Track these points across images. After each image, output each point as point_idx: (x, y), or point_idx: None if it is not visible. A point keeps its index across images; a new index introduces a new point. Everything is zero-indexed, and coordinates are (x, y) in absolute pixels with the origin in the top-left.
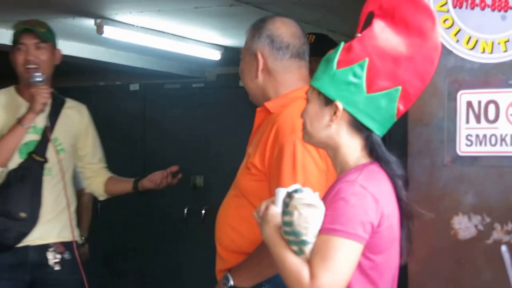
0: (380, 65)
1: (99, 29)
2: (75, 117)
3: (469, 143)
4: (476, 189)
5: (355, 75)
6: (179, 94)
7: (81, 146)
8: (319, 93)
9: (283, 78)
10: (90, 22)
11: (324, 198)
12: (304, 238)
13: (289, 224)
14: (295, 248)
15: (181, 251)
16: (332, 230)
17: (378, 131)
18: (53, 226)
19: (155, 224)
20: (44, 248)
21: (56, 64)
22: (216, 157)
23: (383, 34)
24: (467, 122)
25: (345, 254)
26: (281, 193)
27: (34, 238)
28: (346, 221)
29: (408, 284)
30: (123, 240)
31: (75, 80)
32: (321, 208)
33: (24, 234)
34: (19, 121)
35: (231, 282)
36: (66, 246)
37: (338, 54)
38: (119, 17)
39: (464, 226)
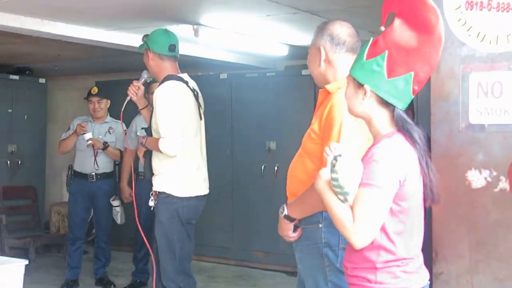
0: (397, 56)
1: (196, 33)
2: None
3: (479, 114)
4: (485, 149)
5: (378, 64)
6: (257, 81)
7: None
8: (354, 79)
9: (339, 66)
10: (189, 27)
11: (363, 159)
12: (346, 190)
13: (336, 179)
14: (340, 197)
15: (257, 200)
16: (368, 184)
17: (400, 106)
18: None
19: (238, 177)
20: None
21: (155, 63)
22: (285, 127)
23: (400, 31)
24: (477, 97)
25: (378, 202)
26: (333, 148)
27: None
28: (378, 177)
29: (432, 222)
30: (212, 190)
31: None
32: (359, 167)
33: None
34: None
35: (285, 212)
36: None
37: (367, 48)
38: (211, 23)
39: (476, 178)
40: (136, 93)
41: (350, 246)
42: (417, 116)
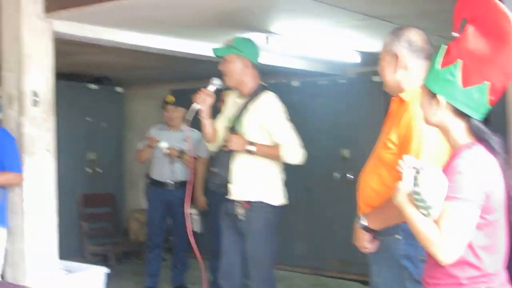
0: (471, 65)
1: (267, 41)
2: None
3: None
4: None
5: (451, 74)
6: (328, 88)
7: None
8: (427, 88)
9: (416, 74)
10: (260, 35)
11: (444, 170)
12: (429, 204)
13: (418, 193)
14: (423, 211)
15: (333, 208)
16: (455, 198)
17: (476, 116)
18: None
19: (313, 185)
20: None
21: (245, 68)
22: (358, 134)
23: (473, 38)
24: None
25: (466, 216)
26: (408, 161)
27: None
28: (465, 190)
29: None
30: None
31: None
32: (442, 180)
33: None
34: None
35: (363, 222)
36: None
37: (440, 56)
38: (281, 31)
39: None
40: (204, 101)
41: (432, 260)
42: (492, 125)
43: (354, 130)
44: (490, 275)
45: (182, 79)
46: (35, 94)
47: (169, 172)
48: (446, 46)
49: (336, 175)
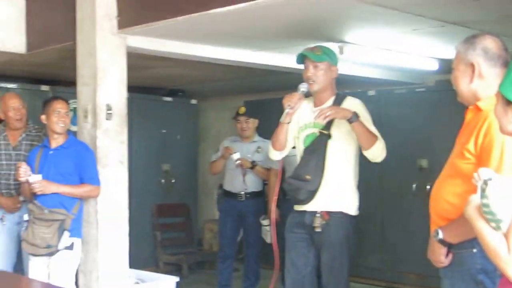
0: None
1: (341, 50)
2: None
3: None
4: None
5: None
6: (406, 97)
7: None
8: (503, 96)
9: (492, 82)
10: (333, 45)
11: None
12: (499, 217)
13: (487, 205)
14: (493, 224)
15: (409, 219)
16: None
17: None
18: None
19: (389, 196)
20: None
21: (333, 77)
22: (436, 143)
23: None
24: None
25: None
26: (483, 174)
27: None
28: None
29: None
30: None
31: None
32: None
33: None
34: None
35: (440, 236)
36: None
37: None
38: (355, 40)
39: None
40: (293, 105)
41: (505, 278)
42: None
43: (434, 139)
44: None
45: (256, 91)
46: (109, 107)
47: (241, 183)
48: None
49: (414, 185)
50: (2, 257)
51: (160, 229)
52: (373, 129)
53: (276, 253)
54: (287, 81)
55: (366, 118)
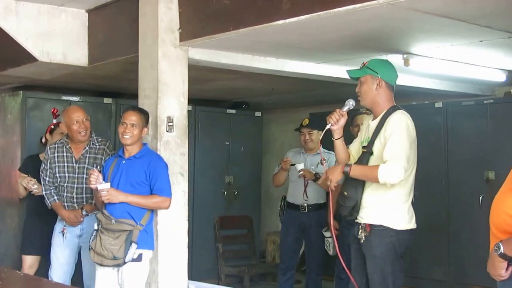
0: None
1: (406, 62)
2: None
3: None
4: None
5: None
6: (474, 109)
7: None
8: None
9: None
10: (398, 57)
11: None
12: None
13: None
14: None
15: (476, 232)
16: None
17: None
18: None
19: (454, 208)
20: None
21: (378, 90)
22: (504, 156)
23: None
24: None
25: None
26: None
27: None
28: None
29: None
30: (428, 221)
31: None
32: None
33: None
34: None
35: (502, 250)
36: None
37: None
38: (421, 52)
39: None
40: (337, 121)
41: None
42: None
43: (502, 151)
44: None
45: (321, 103)
46: (169, 119)
47: (303, 195)
48: None
49: (480, 197)
50: (62, 268)
51: (222, 241)
52: (389, 146)
53: (345, 267)
54: (351, 93)
55: (395, 130)
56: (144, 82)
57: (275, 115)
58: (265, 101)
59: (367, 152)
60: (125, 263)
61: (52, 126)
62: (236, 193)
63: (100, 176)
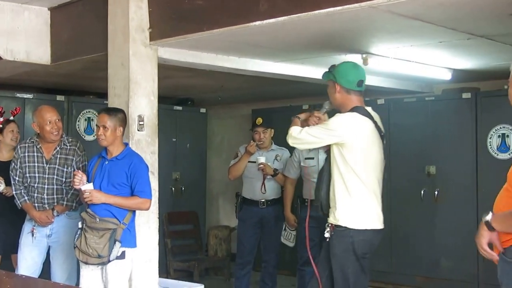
0: None
1: (365, 61)
2: None
3: None
4: None
5: None
6: (415, 105)
7: None
8: None
9: None
10: (358, 56)
11: None
12: None
13: None
14: None
15: (417, 224)
16: None
17: None
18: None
19: (397, 202)
20: None
21: (338, 93)
22: (445, 151)
23: None
24: None
25: None
26: None
27: None
28: None
29: None
30: None
31: None
32: None
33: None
34: None
35: (488, 218)
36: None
37: None
38: (380, 51)
39: None
40: (316, 123)
41: None
42: None
43: (442, 146)
44: None
45: (262, 100)
46: (140, 118)
47: (261, 189)
48: None
49: (422, 191)
50: (29, 269)
51: (170, 236)
52: (310, 131)
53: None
54: (298, 90)
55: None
56: (114, 80)
57: (215, 111)
58: (209, 97)
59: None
60: (109, 261)
61: (1, 125)
62: (183, 189)
63: (84, 177)
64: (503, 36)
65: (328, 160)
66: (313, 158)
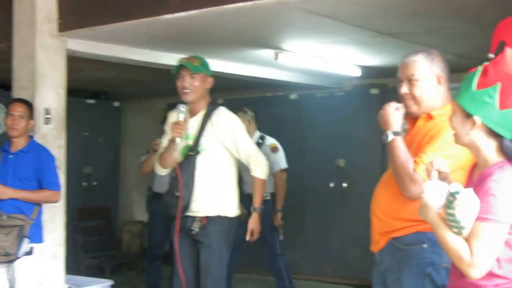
0: (509, 88)
1: (276, 57)
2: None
3: None
4: None
5: (489, 96)
6: (326, 101)
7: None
8: (462, 108)
9: (447, 93)
10: (271, 52)
11: (475, 190)
12: (462, 225)
13: (452, 215)
14: (455, 230)
15: (327, 215)
16: (485, 219)
17: (509, 136)
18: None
19: (308, 194)
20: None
21: (208, 88)
22: (354, 145)
23: None
24: None
25: (495, 235)
26: (451, 188)
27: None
28: (496, 212)
29: None
30: (284, 206)
31: (247, 92)
32: (476, 203)
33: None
34: None
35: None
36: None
37: (477, 76)
38: (291, 48)
39: None
40: (182, 133)
41: (456, 271)
42: None
43: (351, 140)
44: None
45: (175, 93)
46: (47, 111)
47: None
48: (482, 68)
49: (331, 184)
50: None
51: (81, 232)
52: (248, 144)
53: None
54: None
55: (240, 132)
56: (20, 72)
57: (130, 105)
58: (124, 91)
59: (193, 155)
60: (17, 258)
61: None
62: (95, 184)
63: None
64: (407, 34)
65: (190, 164)
66: None
